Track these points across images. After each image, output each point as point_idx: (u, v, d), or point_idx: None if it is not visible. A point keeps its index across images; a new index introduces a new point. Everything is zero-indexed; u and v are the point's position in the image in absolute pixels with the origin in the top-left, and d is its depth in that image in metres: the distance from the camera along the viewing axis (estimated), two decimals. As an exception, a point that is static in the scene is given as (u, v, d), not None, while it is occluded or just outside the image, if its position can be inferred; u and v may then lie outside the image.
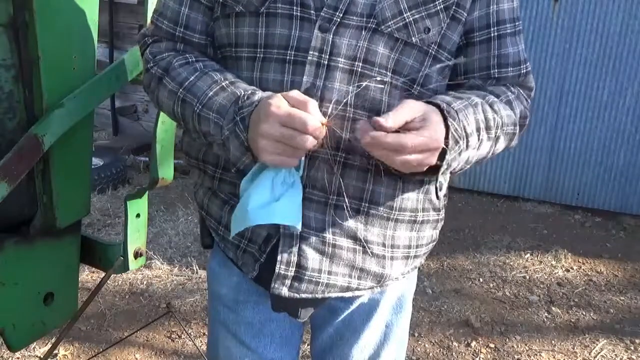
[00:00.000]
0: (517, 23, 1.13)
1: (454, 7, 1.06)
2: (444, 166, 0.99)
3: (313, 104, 0.92)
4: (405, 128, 0.93)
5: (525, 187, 4.37)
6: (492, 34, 1.10)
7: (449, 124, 0.96)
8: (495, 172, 4.38)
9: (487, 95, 1.08)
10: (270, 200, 0.95)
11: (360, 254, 1.12)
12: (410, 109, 0.94)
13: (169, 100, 1.09)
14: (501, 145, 1.11)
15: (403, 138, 0.91)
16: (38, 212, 1.49)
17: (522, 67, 1.14)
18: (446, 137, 0.96)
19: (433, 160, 0.96)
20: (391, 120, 0.92)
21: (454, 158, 0.99)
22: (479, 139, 1.03)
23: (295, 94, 0.94)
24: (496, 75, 1.12)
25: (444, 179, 1.15)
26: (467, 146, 1.00)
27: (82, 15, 1.45)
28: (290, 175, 0.97)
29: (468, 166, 1.07)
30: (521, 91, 1.15)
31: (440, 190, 1.16)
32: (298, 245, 1.09)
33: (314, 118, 0.91)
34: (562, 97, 4.14)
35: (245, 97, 0.98)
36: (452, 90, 1.11)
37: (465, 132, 0.99)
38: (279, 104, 0.92)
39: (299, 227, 1.00)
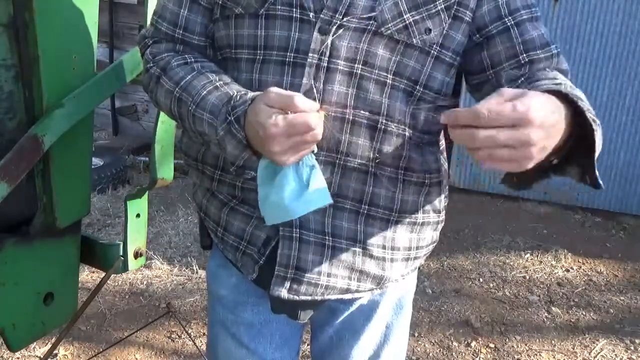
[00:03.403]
0: (533, 9, 1.08)
1: (455, 7, 1.05)
2: (597, 149, 0.86)
3: (298, 97, 0.90)
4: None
5: (525, 187, 4.36)
6: (508, 23, 1.06)
7: (578, 104, 0.85)
8: (495, 172, 4.38)
9: (555, 79, 1.00)
10: (302, 189, 0.96)
11: (360, 256, 1.12)
12: (500, 94, 0.81)
13: (166, 100, 1.09)
14: (600, 134, 0.94)
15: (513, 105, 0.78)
16: (38, 212, 1.49)
17: (551, 47, 1.09)
18: (584, 118, 0.86)
19: (553, 141, 0.81)
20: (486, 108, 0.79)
21: (596, 130, 0.87)
22: (596, 123, 0.90)
23: (275, 94, 0.91)
24: (526, 59, 1.06)
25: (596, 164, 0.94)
26: (597, 126, 0.89)
27: (82, 15, 1.45)
28: (309, 157, 0.97)
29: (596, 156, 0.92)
30: (562, 77, 1.07)
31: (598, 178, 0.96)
32: (297, 247, 1.09)
33: (312, 115, 0.89)
34: (562, 97, 4.14)
35: (238, 97, 0.98)
36: (478, 88, 1.09)
37: (591, 111, 0.88)
38: (274, 121, 0.89)
39: (331, 200, 0.99)
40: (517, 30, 1.07)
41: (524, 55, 1.06)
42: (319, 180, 0.97)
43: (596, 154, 0.89)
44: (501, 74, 1.07)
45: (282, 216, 0.98)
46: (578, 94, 0.93)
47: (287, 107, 0.89)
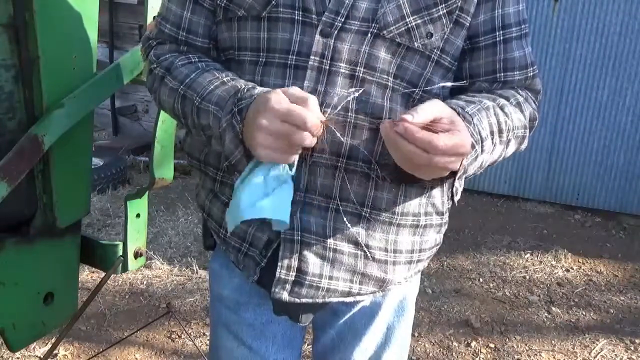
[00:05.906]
0: (523, 26, 1.11)
1: (457, 12, 1.05)
2: (461, 171, 0.97)
3: (313, 100, 0.90)
4: (429, 128, 0.89)
5: (525, 187, 4.37)
6: (497, 38, 1.09)
7: (471, 128, 0.95)
8: (495, 172, 4.38)
9: (497, 99, 1.07)
10: (262, 196, 0.94)
11: (362, 259, 1.11)
12: (438, 108, 0.92)
13: (170, 98, 1.09)
14: (512, 148, 1.10)
15: (435, 137, 0.87)
16: (38, 212, 1.49)
17: (528, 70, 1.12)
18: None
19: (457, 165, 0.93)
20: (419, 115, 0.88)
21: (470, 163, 0.97)
22: (492, 143, 1.02)
23: (296, 90, 0.92)
24: (502, 79, 1.11)
25: (459, 184, 1.10)
26: (482, 150, 0.99)
27: (82, 15, 1.45)
28: (284, 172, 0.96)
29: (480, 171, 1.06)
30: (529, 94, 1.14)
31: (457, 194, 1.12)
32: (299, 249, 1.08)
33: (314, 115, 0.89)
34: (562, 97, 4.14)
35: (246, 90, 0.98)
36: (457, 94, 1.10)
37: (480, 136, 0.98)
38: (279, 99, 0.90)
39: (287, 223, 0.97)
40: (503, 47, 1.09)
41: (502, 74, 1.10)
42: (284, 199, 0.95)
43: (463, 172, 0.98)
44: (474, 84, 1.11)
45: (235, 218, 0.95)
46: (493, 115, 1.03)
47: (299, 102, 0.90)
